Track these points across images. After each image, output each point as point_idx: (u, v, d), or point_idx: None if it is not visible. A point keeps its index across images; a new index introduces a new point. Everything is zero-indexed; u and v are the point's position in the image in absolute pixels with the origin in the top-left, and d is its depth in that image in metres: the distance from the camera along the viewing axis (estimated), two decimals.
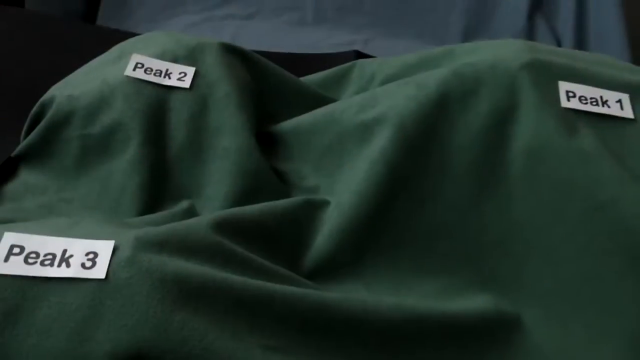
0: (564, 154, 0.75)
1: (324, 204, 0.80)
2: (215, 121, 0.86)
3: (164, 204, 0.83)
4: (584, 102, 0.79)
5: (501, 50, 0.84)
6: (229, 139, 0.85)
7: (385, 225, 0.75)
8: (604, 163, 0.74)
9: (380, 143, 0.78)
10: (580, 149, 0.75)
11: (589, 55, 0.92)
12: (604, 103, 0.79)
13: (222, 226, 0.67)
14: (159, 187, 0.83)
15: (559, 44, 1.45)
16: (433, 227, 0.76)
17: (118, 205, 0.81)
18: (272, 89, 0.95)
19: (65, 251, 0.58)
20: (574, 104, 0.78)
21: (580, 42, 1.44)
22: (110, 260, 0.57)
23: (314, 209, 0.79)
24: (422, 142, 0.78)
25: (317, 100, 0.96)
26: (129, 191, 0.81)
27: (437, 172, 0.77)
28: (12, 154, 0.88)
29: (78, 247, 0.58)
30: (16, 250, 0.58)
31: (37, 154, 0.87)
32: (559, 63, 0.82)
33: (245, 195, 0.82)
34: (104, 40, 1.13)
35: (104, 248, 0.58)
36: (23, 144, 0.88)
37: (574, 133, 0.76)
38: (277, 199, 0.82)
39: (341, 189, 0.80)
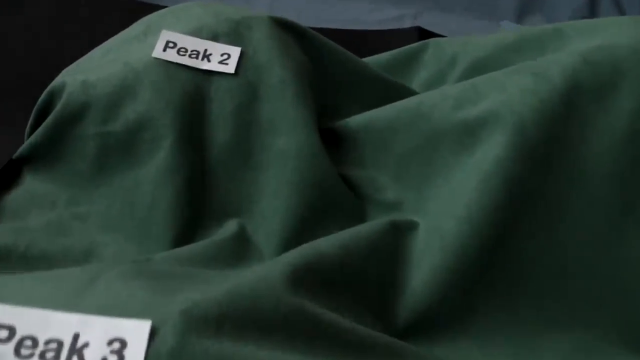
0: None
1: (412, 227, 0.57)
2: (269, 115, 0.62)
3: (205, 224, 0.59)
4: None
5: (634, 30, 0.60)
6: (286, 139, 0.61)
7: (504, 262, 0.52)
8: None
9: (493, 151, 0.54)
10: None
11: None
12: None
13: (300, 280, 0.44)
14: (198, 202, 0.59)
15: None
16: (564, 262, 0.53)
17: (146, 226, 0.58)
18: (334, 73, 0.70)
19: (77, 337, 0.35)
20: None
21: None
22: (146, 355, 0.34)
23: (401, 235, 0.56)
24: (548, 150, 0.54)
25: (389, 88, 0.71)
26: (160, 208, 0.58)
27: (567, 190, 0.54)
28: (14, 156, 0.65)
29: (97, 331, 0.35)
30: (3, 333, 0.35)
31: (45, 156, 0.63)
32: None
33: (310, 214, 0.59)
34: (126, 13, 0.89)
35: (136, 333, 0.35)
36: (27, 142, 0.64)
37: None
38: (350, 218, 0.59)
39: (437, 210, 0.56)
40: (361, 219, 0.60)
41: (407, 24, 1.07)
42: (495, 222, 0.52)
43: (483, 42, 0.71)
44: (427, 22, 1.11)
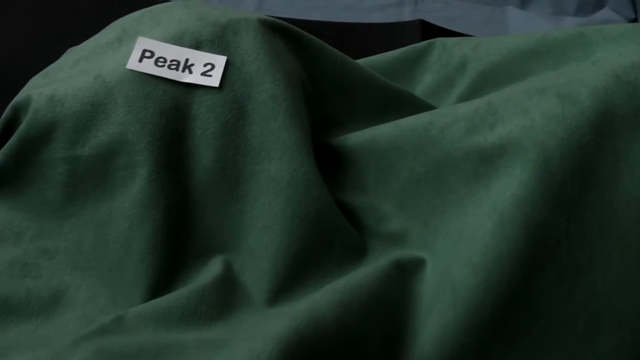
0: None
1: (419, 266, 0.49)
2: (258, 137, 0.53)
3: (187, 262, 0.50)
4: None
5: None
6: (278, 165, 0.52)
7: (524, 317, 0.44)
8: None
9: (512, 188, 0.45)
10: None
11: None
12: None
13: (294, 356, 0.36)
14: (179, 239, 0.51)
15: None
16: (593, 316, 0.45)
17: (120, 269, 0.49)
18: (331, 81, 0.61)
19: None
20: None
21: None
22: None
23: (407, 277, 0.48)
24: (575, 188, 0.45)
25: (392, 95, 0.62)
26: (135, 250, 0.49)
27: (596, 233, 0.45)
28: None
29: None
30: None
31: (10, 181, 0.54)
32: None
33: (304, 252, 0.50)
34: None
35: None
36: None
37: None
38: (350, 253, 0.51)
39: (447, 250, 0.48)
40: (362, 254, 0.52)
41: (406, 11, 0.98)
42: (514, 272, 0.43)
43: (496, 45, 0.61)
44: (428, 8, 1.01)
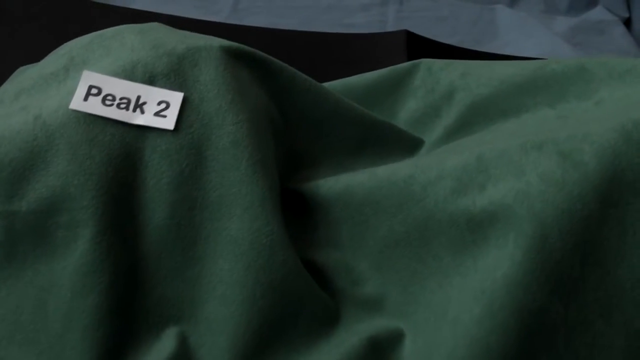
0: None
1: (396, 342, 0.41)
2: (218, 189, 0.44)
3: (138, 336, 0.42)
4: None
5: None
6: (239, 224, 0.43)
7: None
8: None
9: (503, 268, 0.37)
10: None
11: None
12: None
13: None
14: (128, 309, 0.42)
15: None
16: None
17: (61, 347, 0.41)
18: (304, 113, 0.52)
19: None
20: None
21: None
22: None
23: (382, 356, 0.40)
24: (575, 268, 0.38)
25: (371, 128, 0.53)
26: (78, 322, 0.41)
27: (600, 319, 0.38)
28: None
29: None
30: None
31: None
32: None
33: (267, 325, 0.42)
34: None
35: None
36: None
37: None
38: (320, 323, 0.43)
39: (428, 326, 0.40)
40: (334, 322, 0.44)
41: (391, 11, 0.88)
42: None
43: (487, 75, 0.52)
44: (415, 7, 0.91)
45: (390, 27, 0.85)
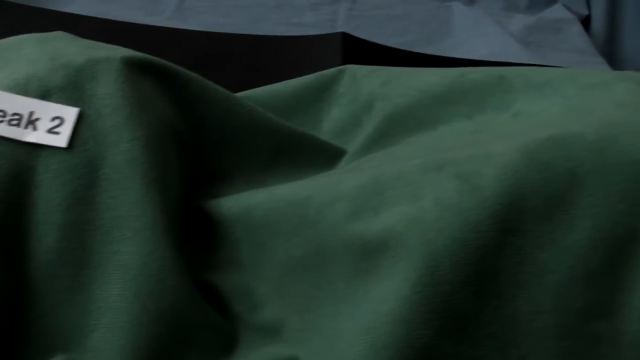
0: None
1: None
2: (111, 209, 0.41)
3: None
4: None
5: (601, 106, 0.39)
6: (130, 246, 0.40)
7: None
8: None
9: (390, 299, 0.34)
10: None
11: None
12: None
13: None
14: (13, 338, 0.39)
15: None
16: None
17: None
18: (216, 125, 0.49)
19: None
20: None
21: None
22: None
23: None
24: (468, 299, 0.34)
25: (288, 138, 0.50)
26: None
27: (495, 354, 0.35)
28: None
29: None
30: None
31: None
32: None
33: (153, 353, 0.39)
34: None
35: None
36: None
37: None
38: (214, 352, 0.41)
39: (322, 354, 0.37)
40: (230, 349, 0.42)
41: (342, 9, 0.84)
42: None
43: (407, 83, 0.49)
44: (367, 5, 0.88)
45: (340, 26, 0.81)
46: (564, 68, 0.46)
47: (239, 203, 0.44)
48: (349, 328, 0.36)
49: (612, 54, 0.95)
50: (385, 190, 0.38)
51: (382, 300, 0.35)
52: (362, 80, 0.53)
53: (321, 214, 0.39)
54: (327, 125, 0.54)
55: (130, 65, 0.46)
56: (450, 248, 0.34)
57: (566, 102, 0.42)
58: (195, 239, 0.46)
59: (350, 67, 0.55)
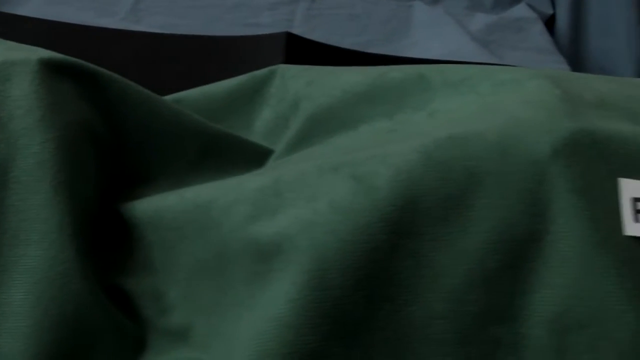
0: (629, 335, 0.33)
1: None
2: (19, 212, 0.40)
3: None
4: None
5: (510, 104, 0.38)
6: (36, 249, 0.39)
7: None
8: None
9: (278, 304, 0.34)
10: None
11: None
12: None
13: None
14: None
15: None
16: None
17: None
18: (138, 128, 0.47)
19: None
20: None
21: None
22: None
23: None
24: (360, 303, 0.34)
25: (214, 139, 0.49)
26: None
27: (388, 358, 0.34)
28: None
29: None
30: None
31: None
32: (620, 132, 0.37)
33: (57, 356, 0.38)
34: None
35: None
36: None
37: None
38: (118, 356, 0.40)
39: (221, 359, 0.37)
40: (136, 355, 0.41)
41: (301, 9, 0.83)
42: None
43: (331, 83, 0.48)
44: (327, 4, 0.87)
45: (297, 26, 0.81)
46: (482, 65, 0.45)
47: (150, 206, 0.43)
48: (245, 333, 0.35)
49: (577, 54, 0.94)
50: (284, 192, 0.37)
51: (272, 305, 0.34)
52: (289, 80, 0.52)
53: (223, 217, 0.39)
54: (259, 126, 0.54)
55: (48, 66, 0.46)
56: (340, 251, 0.33)
57: (479, 100, 0.41)
58: (112, 242, 0.45)
59: (281, 67, 0.54)
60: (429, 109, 0.43)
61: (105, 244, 0.44)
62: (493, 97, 0.40)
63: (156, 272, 0.43)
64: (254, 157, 0.51)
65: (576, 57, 0.92)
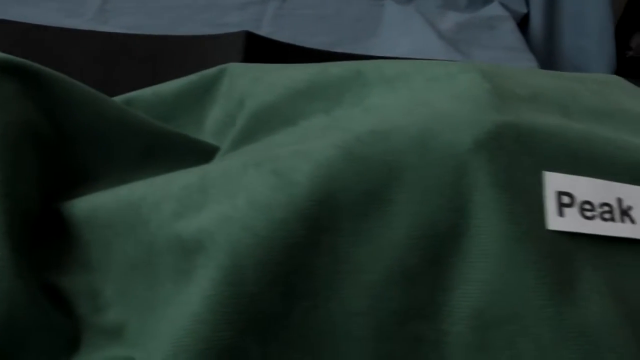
0: (548, 330, 0.32)
1: None
2: None
3: None
4: (590, 212, 0.35)
5: (439, 98, 0.38)
6: None
7: None
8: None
9: (195, 301, 0.33)
10: (579, 325, 0.32)
11: (583, 79, 0.46)
12: (625, 213, 0.35)
13: None
14: None
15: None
16: None
17: None
18: (82, 127, 0.47)
19: None
20: (572, 219, 0.34)
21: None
22: None
23: None
24: (276, 299, 0.33)
25: (159, 141, 0.49)
26: None
27: (308, 356, 0.34)
28: None
29: None
30: None
31: None
32: (546, 126, 0.36)
33: None
34: None
35: None
36: None
37: (566, 289, 0.32)
38: (51, 356, 0.40)
39: (155, 357, 0.37)
40: (70, 353, 0.40)
41: (271, 8, 0.83)
42: None
43: (273, 81, 0.48)
44: (298, 4, 0.86)
45: (265, 26, 0.80)
46: (417, 60, 0.45)
47: (87, 204, 0.43)
48: (165, 330, 0.35)
49: (551, 52, 0.93)
50: (208, 188, 0.37)
51: (189, 301, 0.34)
52: (237, 78, 0.51)
53: (151, 213, 0.38)
54: (209, 125, 0.53)
55: None
56: (256, 247, 0.33)
57: (411, 95, 0.40)
58: (52, 241, 0.45)
59: (231, 66, 0.53)
60: (364, 105, 0.43)
61: (45, 242, 0.44)
62: (425, 92, 0.40)
63: (93, 270, 0.43)
64: (202, 155, 0.51)
65: (550, 55, 0.92)
